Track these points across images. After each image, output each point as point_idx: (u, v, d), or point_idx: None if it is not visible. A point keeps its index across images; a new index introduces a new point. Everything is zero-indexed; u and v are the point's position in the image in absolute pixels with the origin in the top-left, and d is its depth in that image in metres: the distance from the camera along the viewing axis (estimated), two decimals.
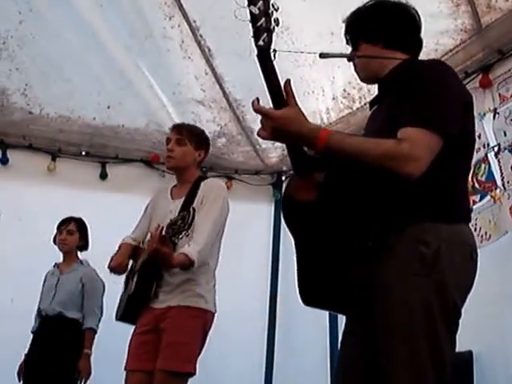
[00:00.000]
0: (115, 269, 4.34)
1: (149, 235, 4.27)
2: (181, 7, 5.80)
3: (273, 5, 2.32)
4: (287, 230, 2.80)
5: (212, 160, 7.07)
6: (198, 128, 4.74)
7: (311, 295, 2.70)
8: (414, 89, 2.51)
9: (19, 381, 5.69)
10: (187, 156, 4.41)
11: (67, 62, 6.13)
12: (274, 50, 2.35)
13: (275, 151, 7.21)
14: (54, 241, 5.96)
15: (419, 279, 2.43)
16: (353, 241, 2.53)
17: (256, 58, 2.38)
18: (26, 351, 5.75)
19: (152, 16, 5.92)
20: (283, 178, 7.56)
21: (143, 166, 7.04)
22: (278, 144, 7.01)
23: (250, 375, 6.90)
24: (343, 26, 2.93)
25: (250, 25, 2.32)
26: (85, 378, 5.60)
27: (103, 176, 6.89)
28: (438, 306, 2.42)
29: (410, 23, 2.84)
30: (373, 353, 2.51)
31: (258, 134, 2.48)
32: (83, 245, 6.02)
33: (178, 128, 4.50)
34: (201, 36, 6.03)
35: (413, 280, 2.43)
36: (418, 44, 2.87)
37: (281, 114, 2.40)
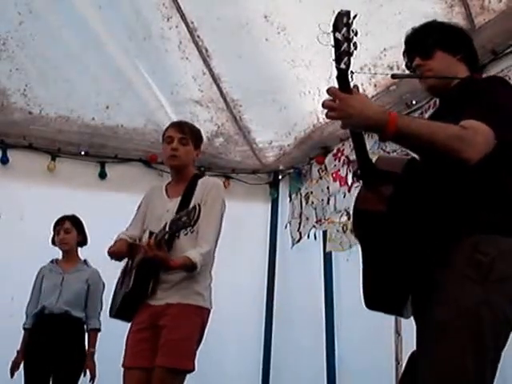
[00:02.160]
0: (115, 254, 4.33)
1: (146, 234, 4.30)
2: (179, 8, 5.83)
3: (353, 30, 2.46)
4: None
5: (209, 159, 7.14)
6: (195, 126, 4.73)
7: (374, 299, 2.81)
8: (477, 98, 2.63)
9: (12, 377, 5.72)
10: (189, 155, 4.43)
11: (66, 62, 6.17)
12: (352, 72, 2.49)
13: (272, 151, 7.25)
14: (53, 242, 6.00)
15: (474, 285, 2.50)
16: (415, 248, 2.64)
17: (335, 79, 2.53)
18: (20, 347, 5.80)
19: (150, 17, 5.95)
20: (280, 177, 7.62)
21: (142, 165, 7.10)
22: (274, 143, 7.07)
23: (248, 374, 6.96)
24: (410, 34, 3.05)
25: (334, 49, 2.47)
26: (93, 376, 5.69)
27: (102, 175, 6.96)
28: (488, 314, 2.48)
29: (475, 48, 3.03)
30: (419, 352, 2.62)
31: (327, 115, 2.57)
32: (82, 240, 6.06)
33: (181, 127, 4.47)
34: (198, 37, 6.06)
35: (467, 286, 2.51)
36: (478, 67, 3.07)
37: (349, 95, 2.50)
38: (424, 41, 2.97)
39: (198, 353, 4.19)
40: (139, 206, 4.62)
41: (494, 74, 3.19)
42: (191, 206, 4.04)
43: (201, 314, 4.20)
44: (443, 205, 2.64)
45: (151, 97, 6.59)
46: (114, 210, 6.31)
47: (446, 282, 2.56)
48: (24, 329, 5.84)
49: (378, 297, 2.80)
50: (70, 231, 5.96)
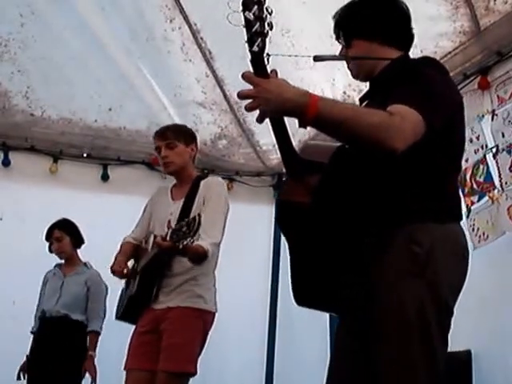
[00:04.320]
0: (117, 273, 4.33)
1: (151, 238, 4.28)
2: (181, 10, 5.81)
3: (267, 8, 2.27)
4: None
5: (213, 162, 7.12)
6: (179, 125, 4.74)
7: (305, 295, 2.73)
8: (406, 80, 2.49)
9: (18, 379, 5.72)
10: (183, 156, 4.39)
11: (69, 64, 6.15)
12: (268, 55, 2.30)
13: (276, 153, 7.22)
14: (50, 251, 5.99)
15: (412, 279, 2.43)
16: (346, 241, 2.54)
17: (249, 63, 2.32)
18: (28, 352, 5.79)
19: (153, 18, 5.94)
20: (284, 179, 7.58)
21: (144, 167, 7.07)
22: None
23: (251, 374, 6.93)
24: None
25: (245, 30, 2.27)
26: (94, 378, 5.65)
27: (105, 178, 6.93)
28: (431, 306, 2.43)
29: (403, 17, 2.82)
30: (365, 352, 2.52)
31: (245, 108, 2.32)
32: (77, 242, 6.04)
33: (162, 133, 4.43)
34: (201, 39, 6.05)
35: (406, 280, 2.44)
36: (410, 38, 2.86)
37: (265, 80, 2.31)
38: (342, 29, 2.82)
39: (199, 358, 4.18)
40: (145, 208, 4.62)
41: (428, 56, 3.01)
42: (191, 215, 4.00)
43: (201, 317, 4.19)
44: (374, 195, 2.53)
45: (154, 99, 6.57)
46: (116, 212, 6.31)
47: (384, 279, 2.48)
48: (31, 333, 5.85)
49: (307, 293, 2.71)
50: (61, 239, 5.94)
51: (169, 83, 6.50)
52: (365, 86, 5.79)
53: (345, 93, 6.06)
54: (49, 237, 5.95)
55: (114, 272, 4.34)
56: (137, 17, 5.91)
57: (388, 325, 2.44)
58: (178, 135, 4.41)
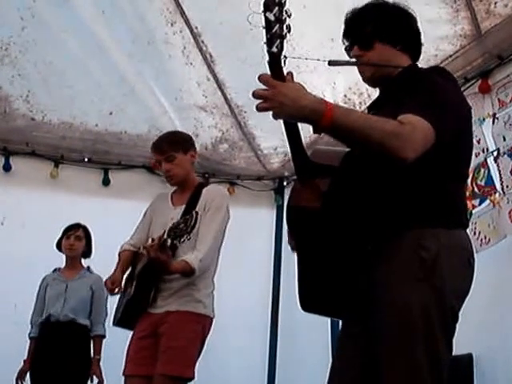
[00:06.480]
0: (108, 290, 4.29)
1: (149, 240, 4.26)
2: (183, 13, 5.82)
3: (286, 11, 2.30)
4: (289, 235, 2.83)
5: (214, 166, 7.12)
6: (174, 133, 4.72)
7: (311, 301, 2.73)
8: (418, 90, 2.51)
9: None
10: (184, 165, 4.35)
11: (69, 68, 6.15)
12: (285, 57, 2.33)
13: (277, 157, 7.23)
14: (58, 246, 5.97)
15: (419, 283, 2.44)
16: (353, 245, 2.55)
17: (267, 64, 2.33)
18: (27, 356, 5.75)
19: (154, 22, 5.94)
20: (285, 183, 7.58)
21: (146, 171, 7.06)
22: (279, 149, 7.04)
23: (253, 380, 6.91)
24: (351, 18, 2.85)
25: (264, 31, 2.30)
26: (101, 381, 5.67)
27: (106, 182, 6.93)
28: (436, 310, 2.44)
29: (418, 28, 2.86)
30: (370, 355, 2.53)
31: (257, 107, 2.31)
32: (87, 252, 6.03)
33: (159, 147, 4.37)
34: (202, 42, 6.05)
35: (412, 284, 2.45)
36: (420, 49, 2.90)
37: (281, 83, 2.32)
38: (362, 30, 2.79)
39: (200, 364, 4.15)
40: (145, 214, 4.58)
41: (437, 65, 3.02)
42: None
43: (201, 322, 4.17)
44: (383, 199, 2.55)
45: (155, 103, 6.56)
46: (117, 216, 6.30)
47: (391, 283, 2.49)
48: (30, 338, 5.81)
49: (315, 298, 2.70)
50: (81, 239, 5.94)
51: (170, 87, 6.50)
52: (365, 89, 5.84)
53: (345, 96, 6.06)
54: (68, 231, 5.94)
55: (105, 284, 4.32)
56: (138, 20, 5.91)
57: (392, 326, 2.46)
58: (174, 146, 4.35)
